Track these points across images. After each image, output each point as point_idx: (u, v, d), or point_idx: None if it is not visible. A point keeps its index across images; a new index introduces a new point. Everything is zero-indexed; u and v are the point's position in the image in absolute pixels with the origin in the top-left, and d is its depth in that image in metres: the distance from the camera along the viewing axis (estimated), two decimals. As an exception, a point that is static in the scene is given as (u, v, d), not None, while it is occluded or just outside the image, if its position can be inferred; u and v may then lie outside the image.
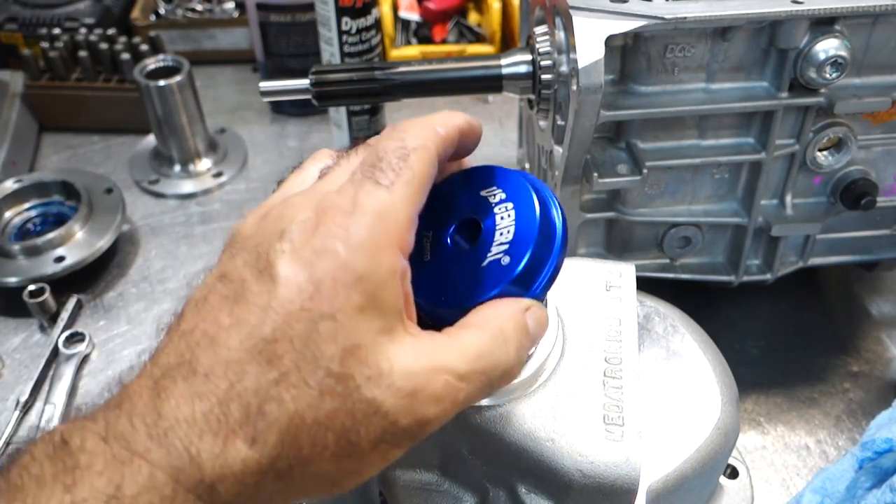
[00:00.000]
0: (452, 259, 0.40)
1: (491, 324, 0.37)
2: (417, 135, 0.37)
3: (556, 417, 0.44)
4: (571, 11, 0.58)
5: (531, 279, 0.39)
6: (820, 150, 0.68)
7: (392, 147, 0.36)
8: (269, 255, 0.34)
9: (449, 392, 0.34)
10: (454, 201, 0.42)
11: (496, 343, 0.36)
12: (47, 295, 0.82)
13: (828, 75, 0.62)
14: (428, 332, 0.36)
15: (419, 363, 0.34)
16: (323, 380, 0.32)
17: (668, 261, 0.74)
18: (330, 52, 0.88)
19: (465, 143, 0.40)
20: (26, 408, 0.75)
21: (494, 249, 0.39)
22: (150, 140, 1.04)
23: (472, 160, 0.43)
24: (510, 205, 0.40)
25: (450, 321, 0.38)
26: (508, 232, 0.39)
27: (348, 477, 0.34)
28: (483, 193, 0.41)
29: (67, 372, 0.77)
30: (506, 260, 0.39)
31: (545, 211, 0.40)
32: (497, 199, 0.41)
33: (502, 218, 0.40)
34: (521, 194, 0.40)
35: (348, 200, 0.34)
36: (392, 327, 0.34)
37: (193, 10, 1.22)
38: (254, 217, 0.37)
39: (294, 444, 0.32)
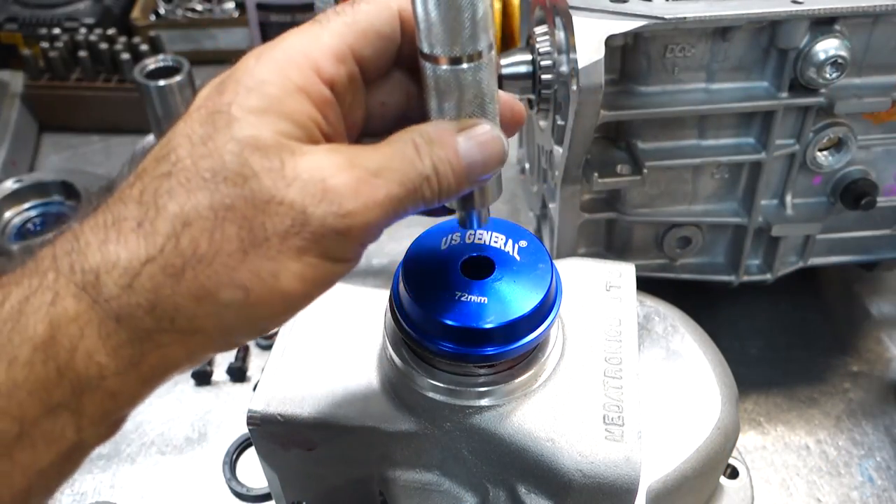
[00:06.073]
0: (475, 287, 0.43)
1: (405, 135, 0.37)
2: None
3: (556, 417, 0.44)
4: (571, 11, 0.58)
5: (556, 295, 0.44)
6: (820, 150, 0.68)
7: (349, 2, 0.39)
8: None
9: (365, 187, 0.34)
10: (449, 250, 0.45)
11: (407, 149, 0.36)
12: (47, 295, 0.82)
13: (828, 75, 0.62)
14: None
15: (329, 159, 0.34)
16: (219, 169, 0.33)
17: (668, 261, 0.74)
18: (330, 52, 0.88)
19: None
20: (26, 408, 0.75)
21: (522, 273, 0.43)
22: (150, 140, 1.04)
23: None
24: (523, 242, 0.45)
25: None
26: (526, 260, 0.44)
27: (263, 280, 0.33)
28: (479, 238, 0.45)
29: (67, 372, 0.77)
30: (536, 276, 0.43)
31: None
32: (500, 241, 0.45)
33: (513, 251, 0.44)
34: (528, 239, 0.45)
35: (283, 36, 0.37)
36: (300, 135, 0.35)
37: (193, 10, 1.22)
38: None
39: (189, 236, 0.33)
